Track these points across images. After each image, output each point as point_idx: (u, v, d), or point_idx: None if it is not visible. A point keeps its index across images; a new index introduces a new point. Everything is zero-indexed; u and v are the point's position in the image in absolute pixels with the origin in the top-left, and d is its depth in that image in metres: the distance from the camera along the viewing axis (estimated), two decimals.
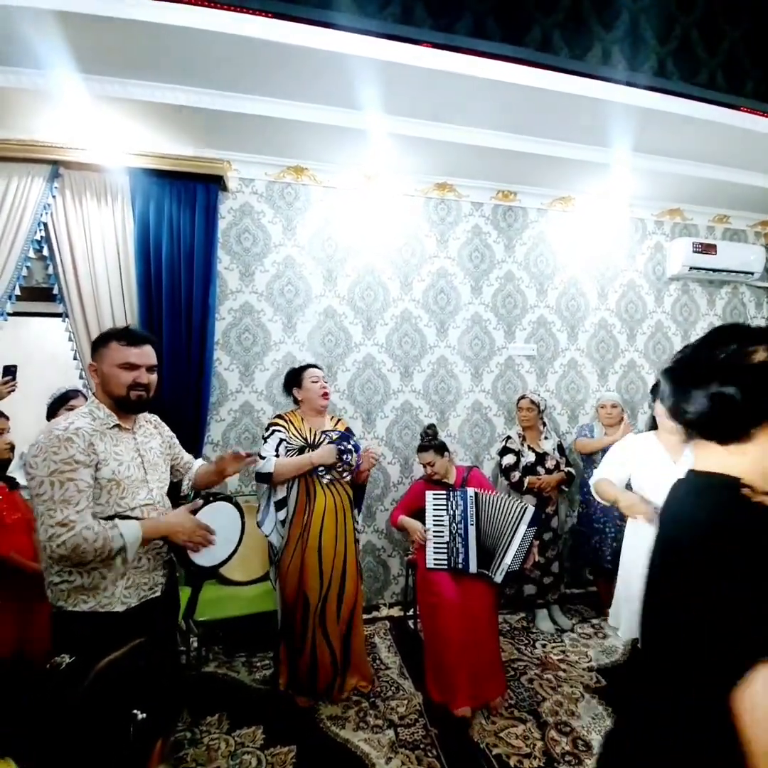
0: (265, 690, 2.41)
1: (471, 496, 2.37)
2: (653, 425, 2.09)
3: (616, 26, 2.53)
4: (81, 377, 2.77)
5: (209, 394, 2.96)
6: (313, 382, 2.38)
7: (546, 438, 3.19)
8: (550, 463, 3.08)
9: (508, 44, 2.32)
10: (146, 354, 1.52)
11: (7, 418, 2.16)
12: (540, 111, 2.59)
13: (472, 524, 2.34)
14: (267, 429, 2.32)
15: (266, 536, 2.28)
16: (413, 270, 3.38)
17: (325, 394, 2.38)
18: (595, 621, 3.13)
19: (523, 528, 2.26)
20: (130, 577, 1.45)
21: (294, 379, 2.43)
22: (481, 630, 2.26)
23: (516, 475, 3.03)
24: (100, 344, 1.50)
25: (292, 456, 2.25)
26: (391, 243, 3.34)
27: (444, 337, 3.45)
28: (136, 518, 1.44)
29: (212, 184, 2.89)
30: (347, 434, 2.41)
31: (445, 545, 2.38)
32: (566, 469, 3.12)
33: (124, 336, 1.50)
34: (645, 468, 1.93)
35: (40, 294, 2.76)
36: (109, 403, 1.50)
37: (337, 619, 2.30)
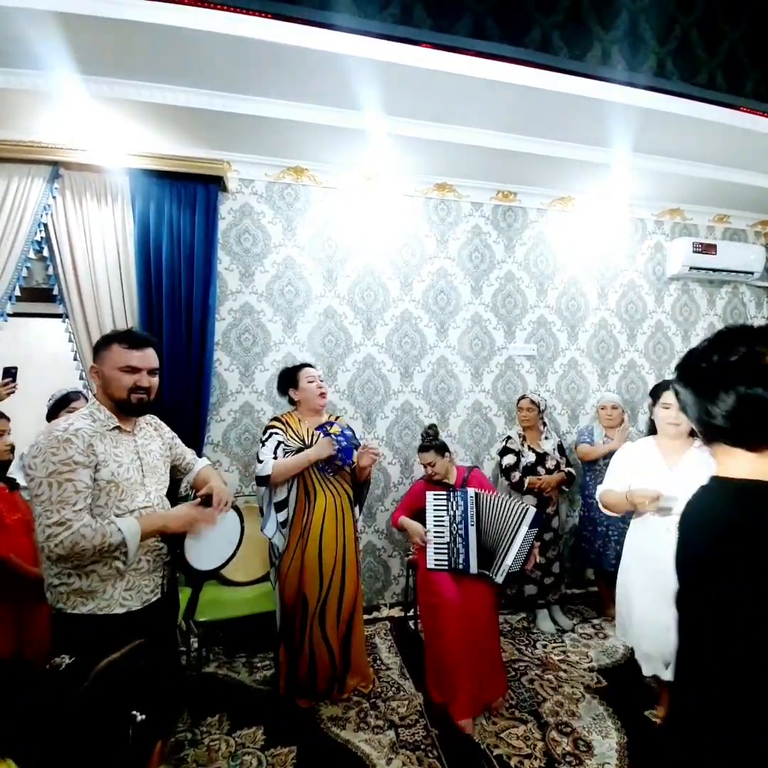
0: (266, 690, 2.41)
1: (471, 497, 2.36)
2: (651, 430, 2.10)
3: (616, 26, 2.53)
4: (81, 378, 2.77)
5: (209, 394, 2.96)
6: (310, 381, 2.36)
7: (546, 438, 3.19)
8: (550, 464, 3.08)
9: (507, 44, 2.32)
10: (148, 357, 1.52)
11: (8, 420, 2.16)
12: (540, 111, 2.59)
13: (472, 525, 2.33)
14: (264, 432, 2.31)
15: (269, 539, 2.28)
16: (413, 270, 3.38)
17: (323, 394, 2.37)
18: (595, 621, 3.13)
19: (524, 529, 2.25)
20: (129, 579, 1.45)
21: (289, 379, 2.40)
22: (481, 630, 2.26)
23: (516, 476, 3.03)
24: (101, 347, 1.50)
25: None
26: (391, 243, 3.34)
27: (444, 337, 3.45)
28: (133, 516, 1.44)
29: (212, 184, 2.89)
30: (341, 425, 2.38)
31: (446, 546, 2.38)
32: (566, 470, 3.12)
33: (126, 339, 1.50)
34: (642, 474, 1.94)
35: (41, 295, 2.76)
36: (110, 406, 1.50)
37: (337, 619, 2.29)
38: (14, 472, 2.18)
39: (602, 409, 3.23)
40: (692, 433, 1.89)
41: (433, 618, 2.33)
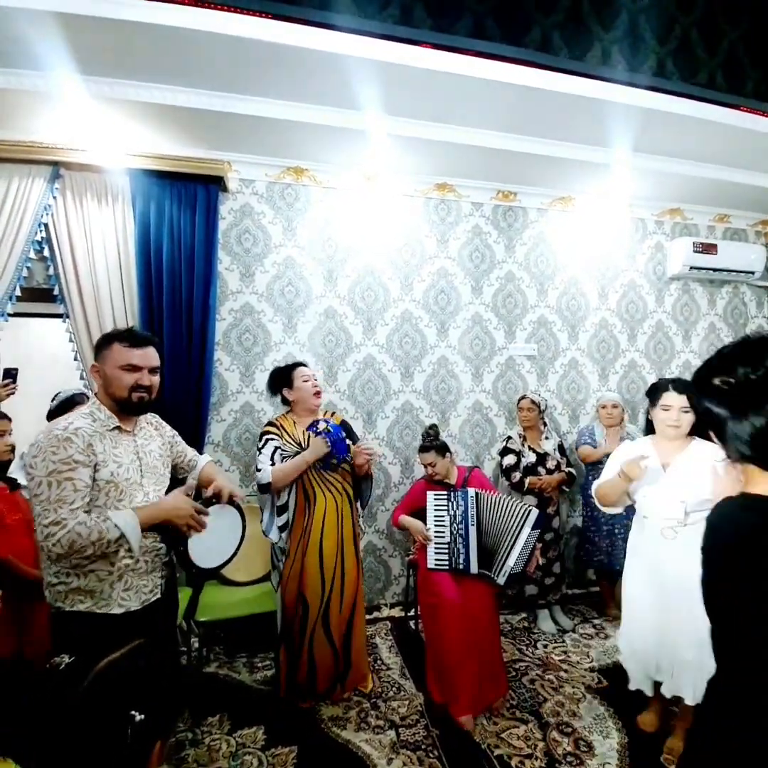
0: (266, 690, 2.41)
1: (472, 497, 2.36)
2: (648, 430, 2.09)
3: (616, 26, 2.53)
4: (82, 378, 2.78)
5: (210, 394, 2.96)
6: (305, 380, 2.34)
7: (547, 438, 3.19)
8: (550, 464, 3.08)
9: (507, 45, 2.32)
10: (149, 356, 1.52)
11: (9, 420, 2.16)
12: (540, 111, 2.59)
13: (473, 525, 2.33)
14: (260, 438, 2.29)
15: (274, 543, 2.28)
16: (413, 270, 3.38)
17: (318, 393, 2.36)
18: (596, 621, 3.13)
19: (527, 530, 2.24)
20: (128, 579, 1.45)
21: (283, 379, 2.38)
22: (482, 630, 2.26)
23: (517, 476, 3.03)
24: (102, 346, 1.50)
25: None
26: (391, 243, 3.34)
27: (444, 337, 3.45)
28: (129, 508, 1.43)
29: (212, 184, 2.89)
30: (326, 420, 2.33)
31: (446, 546, 2.38)
32: (567, 470, 3.12)
33: (127, 337, 1.50)
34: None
35: (41, 295, 2.76)
36: (111, 405, 1.50)
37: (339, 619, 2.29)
38: (15, 472, 2.18)
39: (603, 408, 3.22)
40: (691, 432, 1.88)
41: (433, 618, 2.33)
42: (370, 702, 2.33)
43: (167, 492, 1.64)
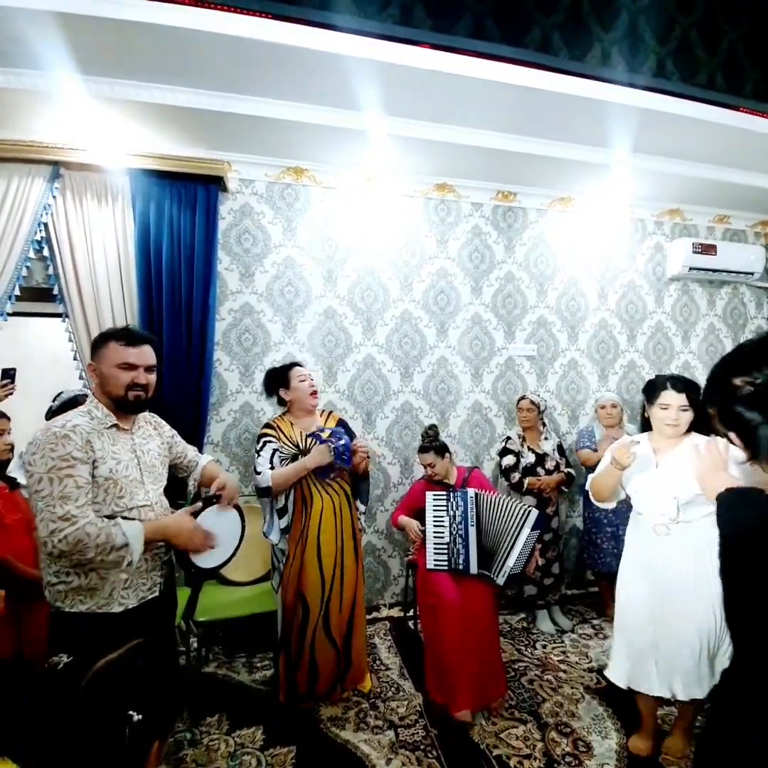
0: (265, 690, 2.41)
1: (471, 497, 2.36)
2: (645, 427, 2.08)
3: (616, 27, 2.53)
4: (81, 378, 2.77)
5: (209, 394, 2.96)
6: (301, 380, 2.33)
7: (546, 439, 3.19)
8: (549, 464, 3.08)
9: (507, 45, 2.32)
10: (145, 354, 1.52)
11: (8, 419, 2.16)
12: (539, 112, 2.59)
13: (472, 525, 2.33)
14: (258, 441, 2.28)
15: (274, 545, 2.28)
16: (413, 270, 3.38)
17: (315, 393, 2.36)
18: (595, 622, 3.13)
19: (527, 531, 2.24)
20: (128, 578, 1.45)
21: (280, 379, 2.37)
22: (481, 631, 2.26)
23: (516, 476, 3.03)
24: (98, 344, 1.50)
25: (286, 465, 2.23)
26: (391, 244, 3.34)
27: (444, 337, 3.45)
28: (138, 520, 1.44)
29: (212, 184, 2.89)
30: (334, 429, 2.35)
31: (446, 546, 2.38)
32: (566, 470, 3.12)
33: (123, 336, 1.50)
34: (632, 469, 1.90)
35: (40, 294, 2.76)
36: (108, 403, 1.50)
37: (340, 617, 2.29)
38: (14, 471, 2.18)
39: (602, 408, 3.22)
40: (688, 430, 1.85)
41: (432, 618, 2.33)
42: (369, 702, 2.33)
43: (166, 492, 1.65)
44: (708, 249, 3.73)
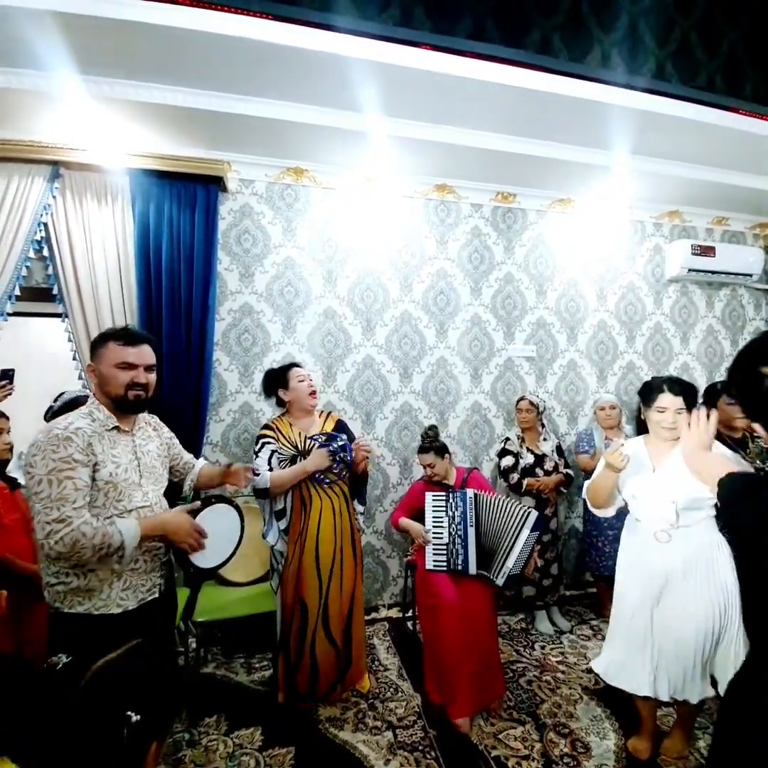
0: (264, 691, 2.41)
1: (470, 498, 2.36)
2: (641, 430, 2.07)
3: (616, 29, 2.54)
4: (80, 378, 2.77)
5: (209, 394, 2.96)
6: (300, 381, 2.34)
7: (545, 439, 3.19)
8: (548, 465, 3.08)
9: (507, 47, 2.33)
10: (144, 353, 1.52)
11: (8, 419, 2.16)
12: (539, 113, 2.59)
13: (471, 526, 2.33)
14: (256, 442, 2.29)
15: (273, 546, 2.28)
16: (413, 271, 3.39)
17: (313, 393, 2.36)
18: (594, 623, 3.13)
19: (526, 532, 2.24)
20: (127, 579, 1.45)
21: (278, 380, 2.38)
22: (480, 631, 2.26)
23: (514, 477, 3.03)
24: (97, 344, 1.50)
25: (284, 466, 2.24)
26: (390, 244, 3.34)
27: (443, 338, 3.45)
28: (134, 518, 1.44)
29: (212, 185, 2.89)
30: (334, 434, 2.36)
31: (445, 546, 2.38)
32: (565, 471, 3.12)
33: (122, 336, 1.50)
34: (625, 472, 1.87)
35: (40, 294, 2.76)
36: (108, 404, 1.50)
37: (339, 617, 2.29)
38: (13, 471, 2.18)
39: (601, 410, 3.22)
40: None
41: (431, 619, 2.33)
42: (367, 703, 2.33)
43: (166, 494, 1.65)
44: (707, 251, 3.73)
